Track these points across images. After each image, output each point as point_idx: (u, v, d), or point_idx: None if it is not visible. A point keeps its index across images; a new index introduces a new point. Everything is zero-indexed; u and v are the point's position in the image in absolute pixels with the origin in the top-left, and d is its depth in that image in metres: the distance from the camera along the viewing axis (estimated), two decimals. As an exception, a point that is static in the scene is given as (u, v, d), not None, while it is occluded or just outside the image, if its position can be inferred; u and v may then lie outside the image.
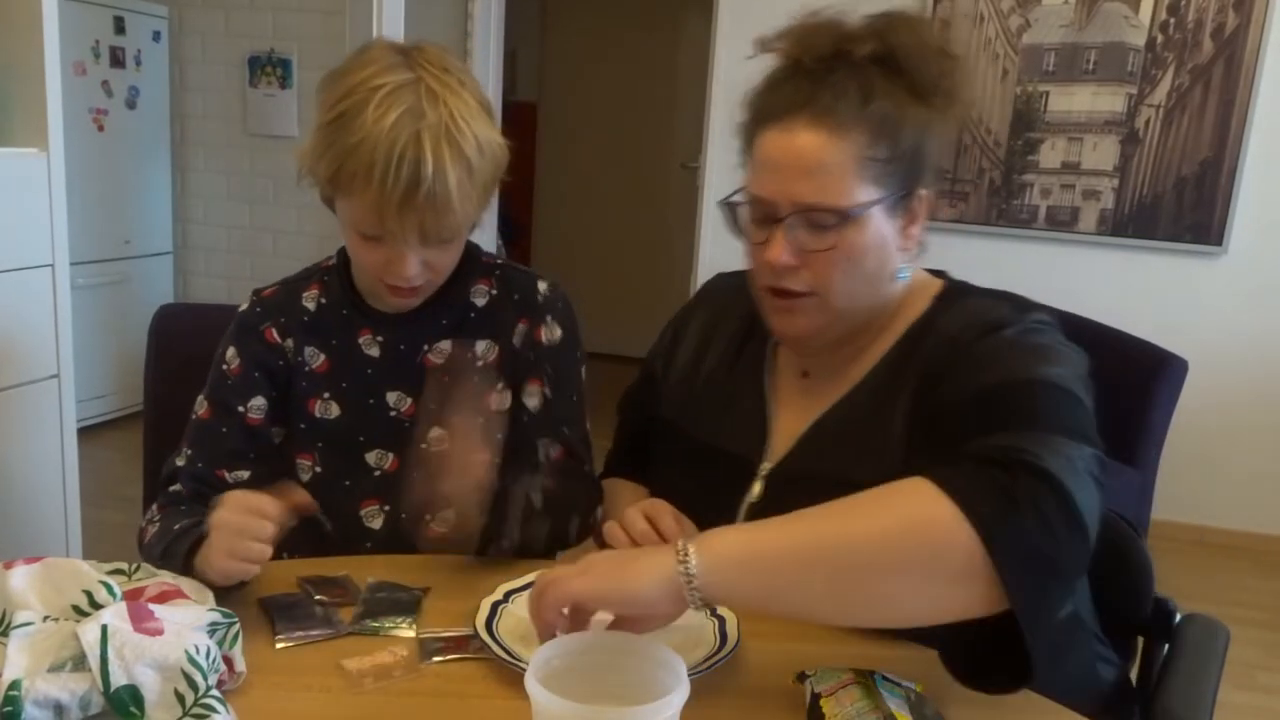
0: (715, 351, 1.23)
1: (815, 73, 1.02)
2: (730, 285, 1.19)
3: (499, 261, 1.28)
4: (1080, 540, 0.82)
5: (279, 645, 0.96)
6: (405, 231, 1.08)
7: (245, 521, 0.97)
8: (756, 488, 1.12)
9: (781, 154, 1.01)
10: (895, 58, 1.01)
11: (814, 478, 1.08)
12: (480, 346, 1.23)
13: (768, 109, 1.03)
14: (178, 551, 1.03)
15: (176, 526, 1.07)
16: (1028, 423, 0.87)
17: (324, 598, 1.04)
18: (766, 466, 1.12)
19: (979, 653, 0.87)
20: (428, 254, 1.13)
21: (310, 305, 1.24)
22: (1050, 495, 0.80)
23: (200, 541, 1.00)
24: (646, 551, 0.86)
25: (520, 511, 1.13)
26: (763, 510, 1.11)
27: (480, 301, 1.25)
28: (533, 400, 1.24)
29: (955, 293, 1.11)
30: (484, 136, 1.10)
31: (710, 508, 1.11)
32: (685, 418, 1.21)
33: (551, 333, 1.24)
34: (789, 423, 1.13)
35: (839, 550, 0.82)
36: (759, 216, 1.04)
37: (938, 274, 1.17)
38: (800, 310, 1.05)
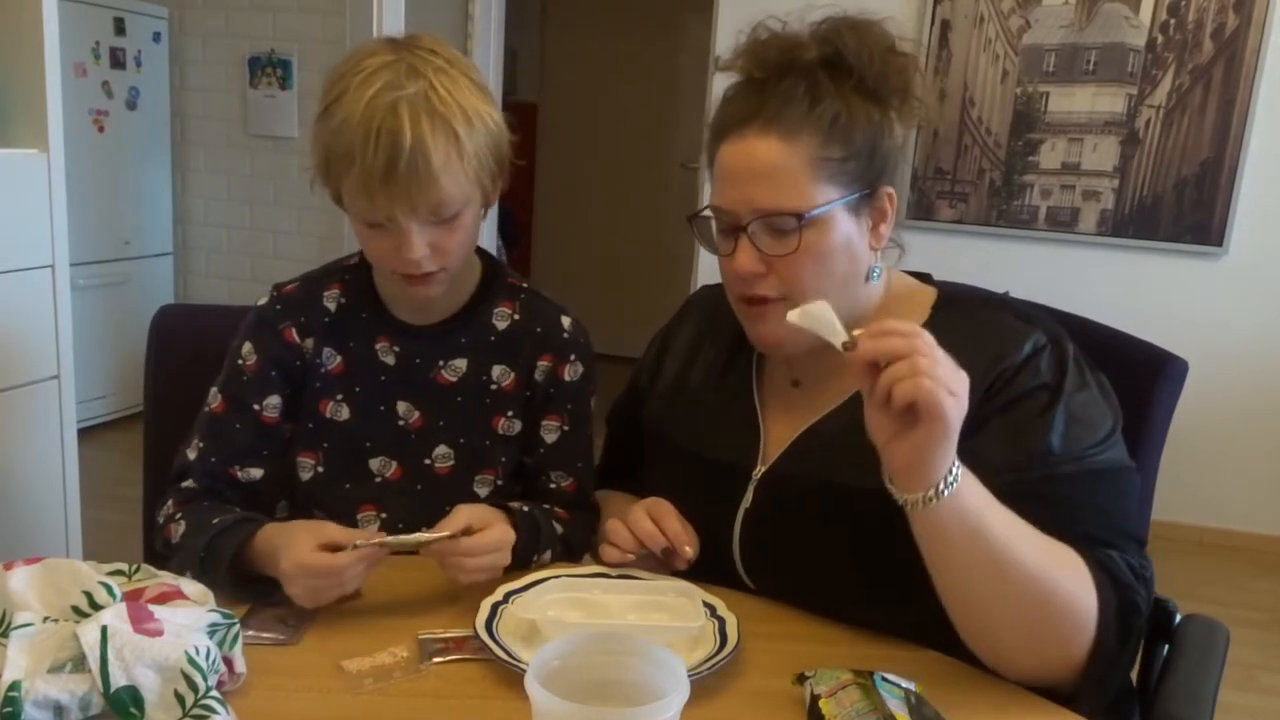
0: (704, 362, 1.24)
1: (766, 83, 1.04)
2: (716, 296, 1.19)
3: (524, 286, 1.27)
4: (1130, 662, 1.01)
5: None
6: (395, 209, 1.07)
7: (318, 585, 1.01)
8: (750, 495, 1.12)
9: (736, 164, 1.03)
10: (842, 58, 1.02)
11: (805, 484, 1.08)
12: (495, 371, 1.23)
13: (723, 124, 1.05)
14: (224, 546, 1.05)
15: (215, 521, 1.09)
16: (1122, 527, 0.98)
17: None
18: (760, 470, 1.12)
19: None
20: (431, 235, 1.10)
21: (331, 305, 1.23)
22: (1136, 637, 0.96)
23: (246, 540, 1.05)
24: (949, 442, 0.85)
25: (549, 539, 1.18)
26: (758, 517, 1.11)
27: (501, 325, 1.24)
28: (551, 435, 1.25)
29: (952, 303, 1.11)
30: (473, 108, 1.08)
31: (706, 516, 1.11)
32: (676, 429, 1.21)
33: (574, 371, 1.25)
34: (780, 430, 1.13)
35: (1028, 582, 0.90)
36: (724, 228, 1.06)
37: (921, 276, 1.16)
38: (773, 316, 1.05)
